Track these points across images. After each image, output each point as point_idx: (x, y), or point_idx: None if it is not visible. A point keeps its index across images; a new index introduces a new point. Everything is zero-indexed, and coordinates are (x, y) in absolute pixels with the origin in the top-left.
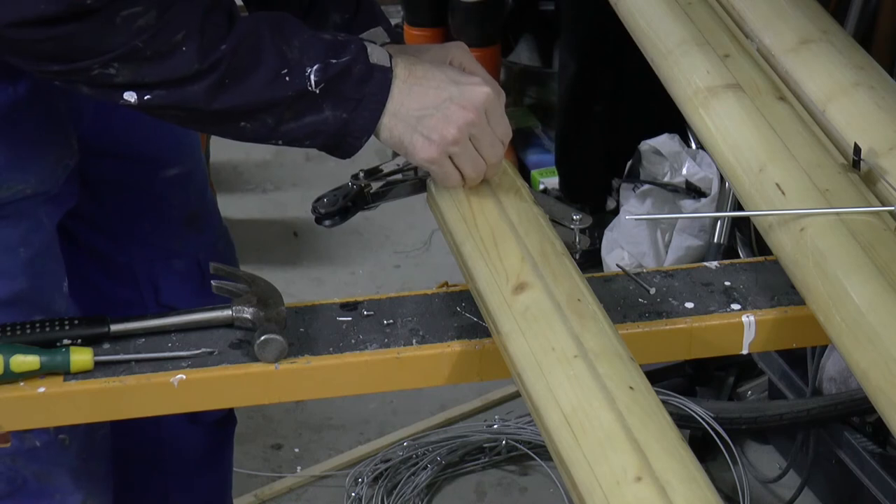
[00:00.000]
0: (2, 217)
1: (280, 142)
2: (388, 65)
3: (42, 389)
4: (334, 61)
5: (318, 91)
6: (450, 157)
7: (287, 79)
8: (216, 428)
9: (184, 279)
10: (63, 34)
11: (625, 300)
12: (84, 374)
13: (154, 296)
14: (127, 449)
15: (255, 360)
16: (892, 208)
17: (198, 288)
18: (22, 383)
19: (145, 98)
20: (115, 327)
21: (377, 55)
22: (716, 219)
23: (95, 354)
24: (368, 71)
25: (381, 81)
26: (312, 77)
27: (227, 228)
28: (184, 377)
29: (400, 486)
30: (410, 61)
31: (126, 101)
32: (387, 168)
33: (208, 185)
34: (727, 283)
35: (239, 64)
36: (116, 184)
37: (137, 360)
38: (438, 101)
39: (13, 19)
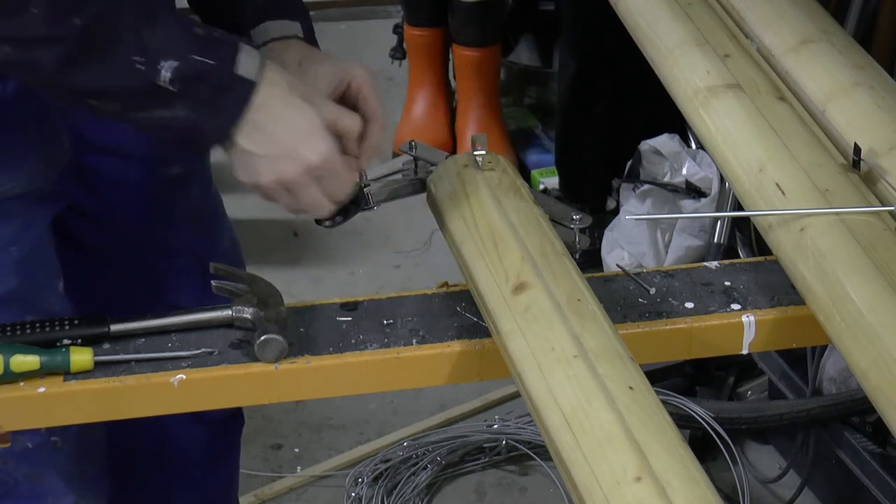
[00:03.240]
0: None
1: (132, 126)
2: (254, 79)
3: (42, 389)
4: (196, 58)
5: (171, 88)
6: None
7: (141, 68)
8: (222, 427)
9: (187, 278)
10: None
11: (625, 300)
12: (84, 374)
13: (157, 294)
14: (130, 447)
15: (255, 360)
16: (892, 208)
17: (200, 287)
18: (22, 383)
19: None
20: (115, 327)
21: (247, 66)
22: (716, 219)
23: (95, 354)
24: (230, 81)
25: (239, 96)
26: (164, 73)
27: (232, 227)
28: (184, 377)
29: (400, 486)
30: (280, 82)
31: None
32: (387, 168)
33: (212, 183)
34: (727, 283)
35: (91, 42)
36: (117, 181)
37: (137, 360)
38: (282, 132)
39: None
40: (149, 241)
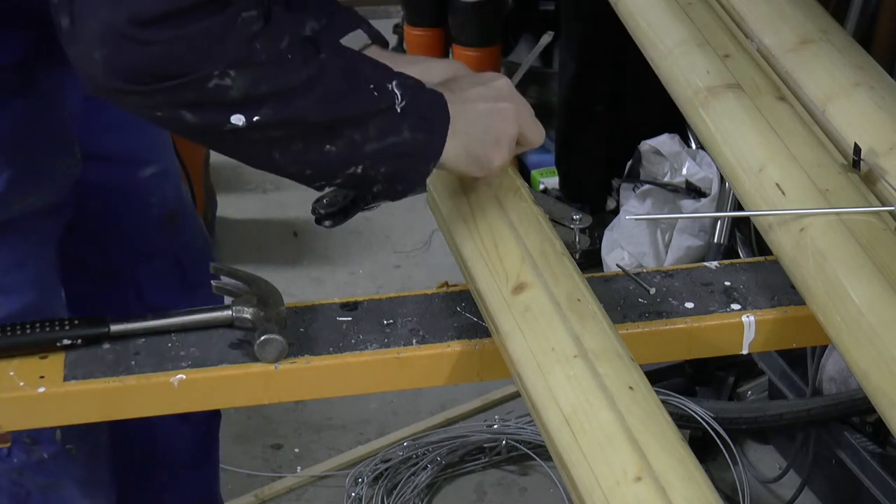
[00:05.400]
0: (14, 231)
1: (360, 167)
2: (437, 89)
3: (42, 389)
4: (406, 81)
5: (399, 109)
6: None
7: (375, 93)
8: (205, 425)
9: (165, 278)
10: (185, 35)
11: (625, 300)
12: (83, 373)
13: (136, 297)
14: (121, 450)
15: (255, 360)
16: (892, 208)
17: (179, 286)
18: (22, 383)
19: (254, 119)
20: (115, 327)
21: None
22: (716, 219)
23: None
24: (430, 92)
25: (441, 102)
26: (397, 90)
27: (203, 225)
28: (184, 377)
29: (400, 486)
30: (443, 81)
31: (233, 125)
32: None
33: (182, 182)
34: (727, 283)
35: (337, 75)
36: (96, 186)
37: (137, 361)
38: (483, 109)
39: (139, 14)
40: (128, 243)
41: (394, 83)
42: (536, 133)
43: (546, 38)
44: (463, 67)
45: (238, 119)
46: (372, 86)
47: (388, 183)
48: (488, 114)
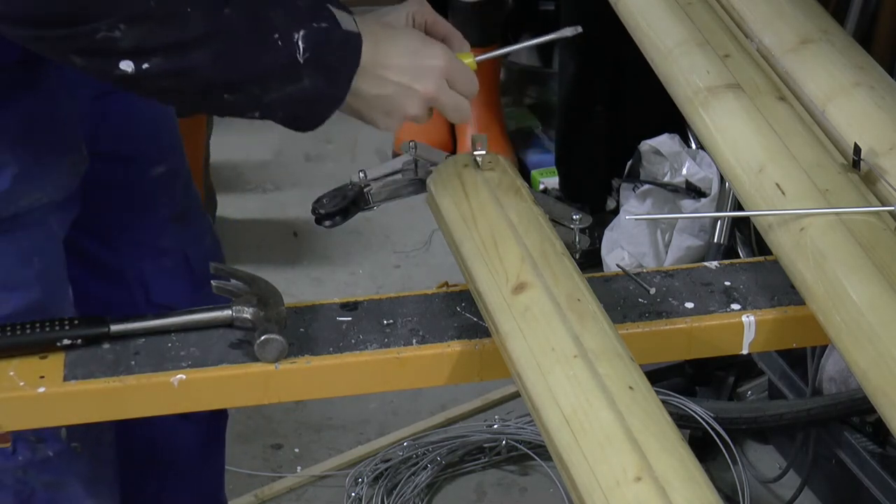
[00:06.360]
0: (19, 227)
1: (257, 114)
2: (357, 30)
3: (42, 389)
4: (314, 25)
5: (302, 60)
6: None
7: (279, 44)
8: (208, 423)
9: (173, 277)
10: None
11: (625, 300)
12: (83, 373)
13: (145, 295)
14: (120, 450)
15: (255, 360)
16: (892, 208)
17: (187, 285)
18: (22, 383)
19: (143, 67)
20: (115, 327)
21: (345, 21)
22: (716, 219)
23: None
24: (342, 38)
25: (355, 46)
26: (300, 43)
27: (211, 224)
28: (184, 377)
29: (400, 486)
30: (373, 26)
31: (122, 71)
32: (387, 168)
33: (192, 181)
34: (727, 283)
35: (240, 28)
36: (105, 184)
37: (137, 360)
38: (394, 84)
39: None
40: (136, 242)
41: (301, 33)
42: (457, 115)
43: (570, 31)
44: (421, 7)
45: (127, 65)
46: (277, 35)
47: (286, 123)
48: (397, 92)
